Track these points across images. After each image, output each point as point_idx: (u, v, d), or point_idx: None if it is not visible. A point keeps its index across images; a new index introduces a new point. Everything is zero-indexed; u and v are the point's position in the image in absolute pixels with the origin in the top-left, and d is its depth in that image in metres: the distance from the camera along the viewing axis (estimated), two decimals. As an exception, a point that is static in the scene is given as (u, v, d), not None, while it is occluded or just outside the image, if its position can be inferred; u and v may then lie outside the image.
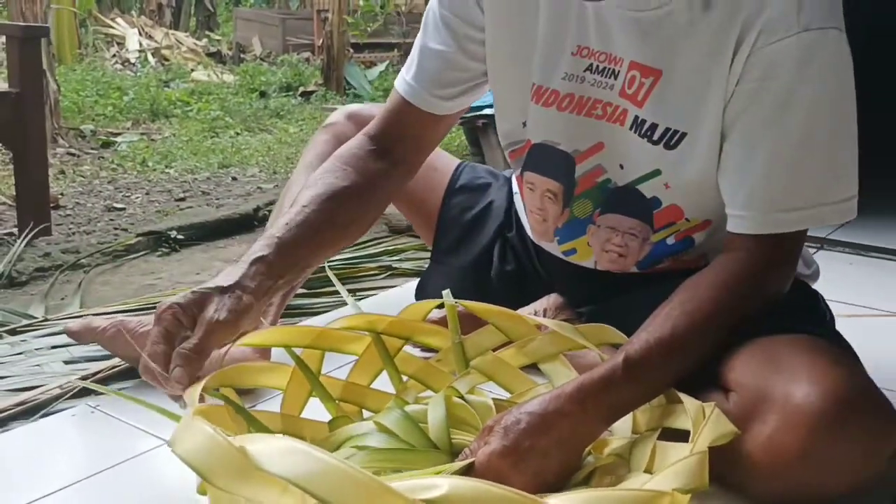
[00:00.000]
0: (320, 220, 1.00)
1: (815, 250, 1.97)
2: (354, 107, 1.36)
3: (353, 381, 1.03)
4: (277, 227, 0.99)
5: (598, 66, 1.01)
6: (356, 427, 0.93)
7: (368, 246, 2.12)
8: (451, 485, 0.57)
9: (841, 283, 1.68)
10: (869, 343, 1.30)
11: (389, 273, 1.95)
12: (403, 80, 1.11)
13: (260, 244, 0.96)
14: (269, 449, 0.58)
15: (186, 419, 0.65)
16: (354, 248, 2.09)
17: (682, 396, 0.88)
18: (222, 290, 0.90)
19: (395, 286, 1.79)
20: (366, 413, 1.03)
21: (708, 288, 0.91)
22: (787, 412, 0.81)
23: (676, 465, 0.73)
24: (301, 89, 6.23)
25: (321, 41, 6.57)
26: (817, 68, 0.88)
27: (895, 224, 2.15)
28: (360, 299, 1.72)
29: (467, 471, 0.82)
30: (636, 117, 0.99)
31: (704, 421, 0.80)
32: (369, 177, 1.07)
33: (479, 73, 1.11)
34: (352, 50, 6.57)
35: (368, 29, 5.91)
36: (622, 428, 0.94)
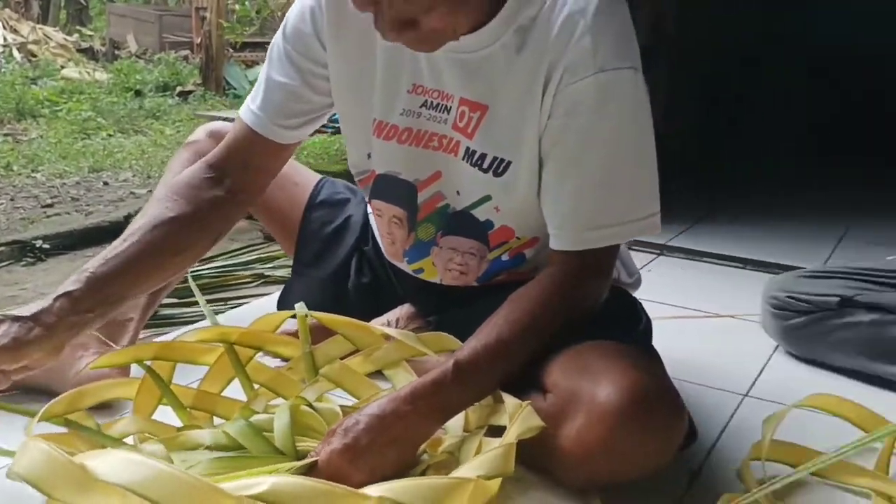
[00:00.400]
0: (142, 251, 1.05)
1: (654, 256, 2.15)
2: (216, 124, 1.38)
3: (204, 390, 1.08)
4: (94, 260, 1.03)
5: (432, 103, 1.10)
6: (200, 434, 0.98)
7: (241, 254, 2.13)
8: (273, 482, 0.65)
9: (673, 286, 1.86)
10: (687, 342, 1.46)
11: (262, 281, 1.97)
12: (249, 110, 1.16)
13: (72, 279, 1.01)
14: (106, 460, 0.64)
15: (25, 442, 0.70)
16: (227, 255, 2.10)
17: (505, 396, 0.98)
18: (15, 319, 0.96)
19: (268, 293, 1.82)
20: (217, 420, 1.08)
21: (528, 300, 1.02)
22: (592, 410, 0.92)
23: (483, 455, 0.82)
24: (179, 89, 6.10)
25: (200, 39, 6.42)
26: (614, 106, 0.99)
27: (723, 231, 2.37)
28: (231, 308, 1.75)
29: (311, 469, 0.89)
30: (468, 148, 1.09)
31: (516, 417, 0.91)
32: (201, 205, 1.12)
33: (324, 105, 1.18)
34: (231, 49, 6.47)
35: (245, 33, 5.87)
36: (455, 426, 1.03)
